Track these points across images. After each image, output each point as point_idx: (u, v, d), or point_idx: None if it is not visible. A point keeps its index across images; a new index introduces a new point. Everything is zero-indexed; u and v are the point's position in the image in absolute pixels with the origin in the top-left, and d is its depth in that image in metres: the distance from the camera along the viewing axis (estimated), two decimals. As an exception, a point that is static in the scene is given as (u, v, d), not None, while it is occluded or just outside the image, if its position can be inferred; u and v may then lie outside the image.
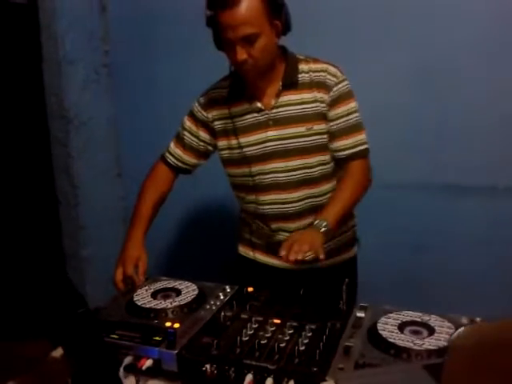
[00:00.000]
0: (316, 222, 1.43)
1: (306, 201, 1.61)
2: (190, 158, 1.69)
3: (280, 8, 1.45)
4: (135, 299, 1.43)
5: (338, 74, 1.55)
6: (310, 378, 1.07)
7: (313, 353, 1.14)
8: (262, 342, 1.19)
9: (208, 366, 1.15)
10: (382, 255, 2.17)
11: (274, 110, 1.55)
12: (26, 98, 2.35)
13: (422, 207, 2.10)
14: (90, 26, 2.41)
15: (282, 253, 1.34)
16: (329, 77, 1.54)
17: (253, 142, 1.57)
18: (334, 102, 1.54)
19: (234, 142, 1.59)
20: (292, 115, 1.55)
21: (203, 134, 1.66)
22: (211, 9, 1.44)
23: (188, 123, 1.67)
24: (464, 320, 1.25)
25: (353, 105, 1.57)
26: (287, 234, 1.60)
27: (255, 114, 1.57)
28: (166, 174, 1.72)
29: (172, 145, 1.71)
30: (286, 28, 1.49)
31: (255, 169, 1.59)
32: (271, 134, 1.56)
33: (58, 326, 0.85)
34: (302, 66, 1.56)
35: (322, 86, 1.54)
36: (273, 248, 1.63)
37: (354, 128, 1.57)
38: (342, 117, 1.56)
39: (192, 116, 1.66)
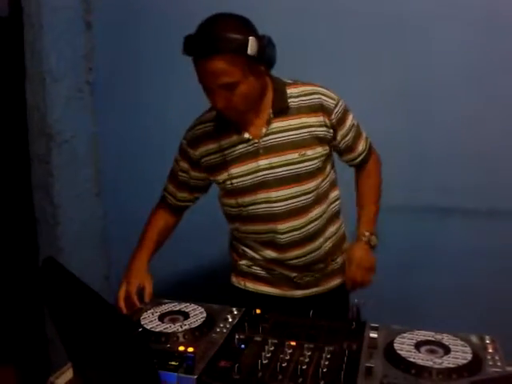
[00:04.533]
0: (364, 235, 1.63)
1: (293, 232, 1.59)
2: (184, 195, 1.70)
3: (262, 53, 1.38)
4: (143, 323, 1.40)
5: (332, 94, 1.56)
6: (338, 399, 1.08)
7: (337, 374, 1.14)
8: (283, 364, 1.19)
9: (230, 390, 1.14)
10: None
11: (265, 138, 1.53)
12: (6, 114, 2.28)
13: (406, 229, 2.16)
14: (74, 43, 2.37)
15: (348, 284, 1.62)
16: (325, 98, 1.54)
17: (244, 173, 1.55)
18: (339, 123, 1.57)
19: (225, 174, 1.57)
20: (283, 142, 1.53)
21: (193, 173, 1.64)
22: (187, 55, 1.39)
23: (179, 161, 1.66)
24: (473, 338, 1.29)
25: (351, 117, 1.62)
26: (284, 266, 1.63)
27: (244, 145, 1.54)
28: (167, 213, 1.73)
29: (167, 183, 1.72)
30: (270, 66, 1.46)
31: (248, 199, 1.58)
32: (262, 163, 1.54)
33: (114, 351, 0.82)
34: (291, 90, 1.54)
35: (319, 109, 1.54)
36: (267, 278, 1.68)
37: (359, 136, 1.66)
38: (348, 133, 1.61)
39: (182, 153, 1.64)
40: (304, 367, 1.18)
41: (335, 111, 1.55)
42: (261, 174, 1.54)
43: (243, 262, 1.71)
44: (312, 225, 1.60)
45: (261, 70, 1.43)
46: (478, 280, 2.11)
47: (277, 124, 1.53)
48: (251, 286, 1.71)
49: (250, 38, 1.34)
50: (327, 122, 1.55)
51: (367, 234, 1.64)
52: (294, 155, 1.53)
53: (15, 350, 2.71)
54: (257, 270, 1.70)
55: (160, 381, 1.00)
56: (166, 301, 1.54)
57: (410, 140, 2.16)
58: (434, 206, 2.16)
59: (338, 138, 1.60)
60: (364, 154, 1.70)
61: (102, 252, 2.68)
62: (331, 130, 1.57)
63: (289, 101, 1.53)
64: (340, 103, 1.57)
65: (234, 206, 1.62)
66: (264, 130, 1.52)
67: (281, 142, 1.53)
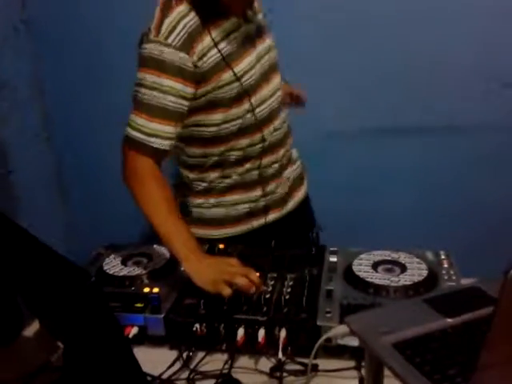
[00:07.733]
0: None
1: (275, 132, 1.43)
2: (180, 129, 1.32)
3: None
4: (105, 268, 1.39)
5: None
6: (301, 324, 1.12)
7: (299, 300, 1.18)
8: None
9: (198, 325, 1.16)
10: (323, 199, 2.25)
11: (255, 21, 1.34)
12: None
13: (351, 153, 2.18)
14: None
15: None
16: None
17: (250, 66, 1.32)
18: None
19: (229, 73, 1.28)
20: (264, 23, 1.38)
21: (190, 89, 1.27)
22: None
23: (176, 84, 1.24)
24: (429, 254, 1.34)
25: None
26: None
27: (237, 33, 1.29)
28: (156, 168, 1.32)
29: (166, 129, 1.27)
30: None
31: (257, 99, 1.34)
32: (260, 48, 1.34)
33: (66, 301, 0.82)
34: None
35: None
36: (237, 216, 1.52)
37: None
38: None
39: (177, 72, 1.23)
40: (268, 296, 1.21)
41: None
42: (262, 62, 1.34)
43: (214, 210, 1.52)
44: (286, 122, 1.50)
45: None
46: (430, 196, 2.18)
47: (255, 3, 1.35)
48: (221, 231, 1.55)
49: None
50: None
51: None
52: (270, 39, 1.38)
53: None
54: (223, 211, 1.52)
55: (120, 326, 1.01)
56: (127, 244, 1.54)
57: (338, 66, 2.12)
58: (381, 128, 2.18)
59: None
60: None
61: (61, 198, 2.63)
62: None
63: None
64: None
65: (242, 115, 1.34)
66: (250, 12, 1.32)
67: (263, 23, 1.35)
